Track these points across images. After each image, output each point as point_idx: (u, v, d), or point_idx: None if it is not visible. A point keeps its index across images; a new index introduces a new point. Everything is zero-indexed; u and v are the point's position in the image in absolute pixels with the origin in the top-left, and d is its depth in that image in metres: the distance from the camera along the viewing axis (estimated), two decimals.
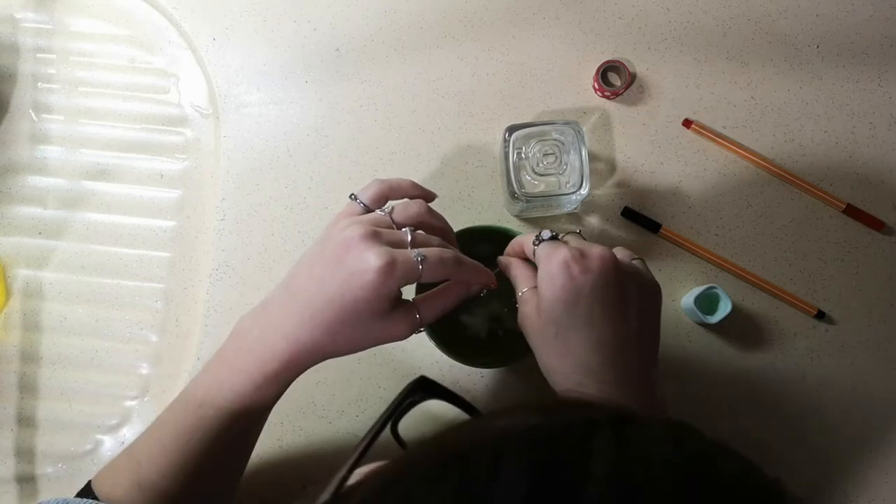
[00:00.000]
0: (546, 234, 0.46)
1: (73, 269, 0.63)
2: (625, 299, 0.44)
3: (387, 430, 0.35)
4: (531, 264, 0.49)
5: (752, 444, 0.60)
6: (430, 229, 0.47)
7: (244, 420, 0.45)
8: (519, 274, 0.49)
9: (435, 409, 0.37)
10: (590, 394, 0.43)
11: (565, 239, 0.47)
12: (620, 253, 0.48)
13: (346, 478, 0.30)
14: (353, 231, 0.42)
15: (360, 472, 0.30)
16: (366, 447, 0.33)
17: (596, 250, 0.44)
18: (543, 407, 0.26)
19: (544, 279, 0.44)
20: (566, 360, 0.44)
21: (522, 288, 0.47)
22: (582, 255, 0.44)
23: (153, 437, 0.46)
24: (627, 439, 0.23)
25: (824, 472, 0.60)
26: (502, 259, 0.51)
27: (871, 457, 0.60)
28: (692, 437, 0.25)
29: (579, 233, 0.49)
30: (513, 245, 0.51)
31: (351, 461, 0.31)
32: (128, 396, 0.62)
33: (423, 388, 0.37)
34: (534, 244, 0.47)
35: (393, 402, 0.36)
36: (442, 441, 0.25)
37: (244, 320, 0.46)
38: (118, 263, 0.63)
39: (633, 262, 0.47)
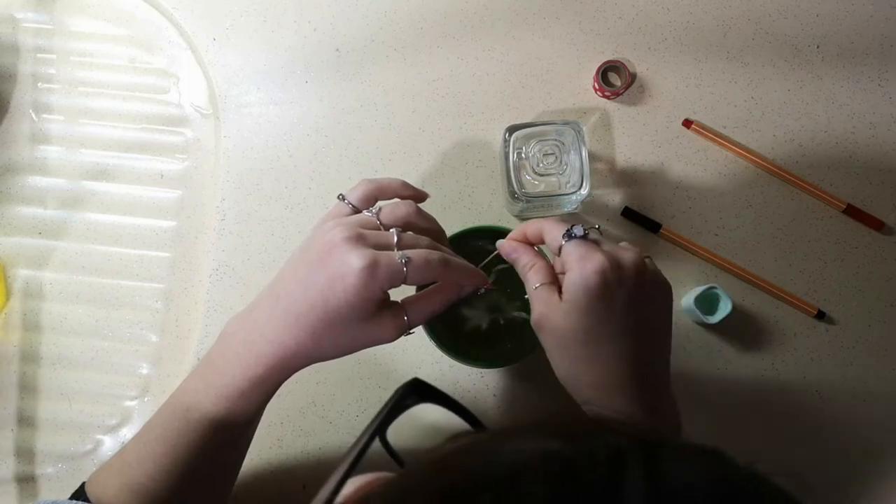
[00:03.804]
0: (579, 230, 0.44)
1: (73, 269, 0.63)
2: (653, 309, 0.44)
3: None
4: (540, 253, 0.48)
5: (751, 444, 0.60)
6: (418, 230, 0.46)
7: (230, 426, 0.44)
8: (529, 265, 0.46)
9: (421, 411, 0.35)
10: (611, 412, 0.42)
11: (591, 233, 0.45)
12: (629, 253, 0.46)
13: (337, 490, 0.28)
14: (336, 233, 0.42)
15: (350, 484, 0.29)
16: (357, 456, 0.31)
17: (629, 257, 0.43)
18: (561, 429, 0.24)
19: (577, 284, 0.42)
20: (593, 370, 0.42)
21: (535, 283, 0.45)
22: (618, 263, 0.42)
23: (142, 440, 0.46)
24: (659, 472, 0.21)
25: (824, 472, 0.60)
26: (506, 244, 0.48)
27: (872, 457, 0.60)
28: (727, 467, 0.23)
29: (598, 228, 0.47)
30: (524, 229, 0.48)
31: (342, 472, 0.29)
32: (128, 396, 0.62)
33: (416, 392, 0.35)
34: (563, 239, 0.44)
35: (384, 407, 0.34)
36: (445, 468, 0.23)
37: (231, 324, 0.45)
38: (118, 263, 0.63)
39: (646, 261, 0.46)
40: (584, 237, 0.44)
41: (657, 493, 0.20)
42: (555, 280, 0.45)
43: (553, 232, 0.46)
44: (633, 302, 0.42)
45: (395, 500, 0.23)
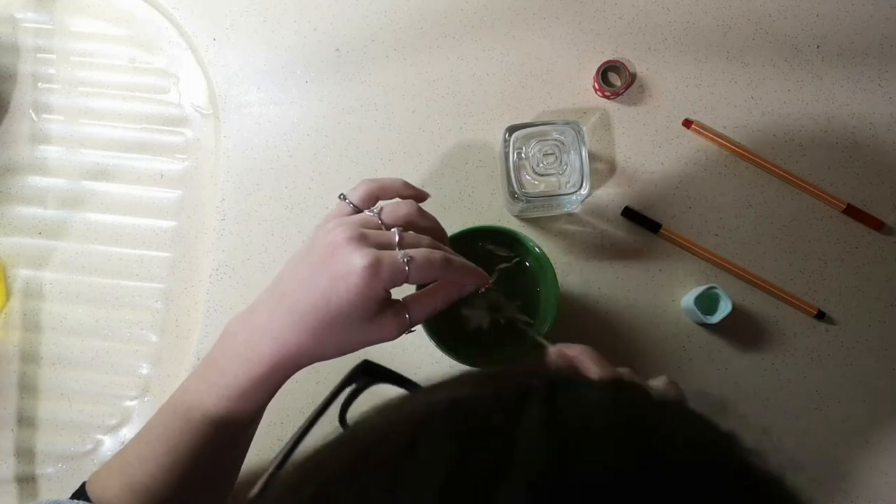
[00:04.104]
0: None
1: (73, 269, 0.63)
2: None
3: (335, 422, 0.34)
4: None
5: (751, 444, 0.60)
6: (419, 230, 0.46)
7: (231, 426, 0.44)
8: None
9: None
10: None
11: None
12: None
13: (273, 474, 0.29)
14: (338, 233, 0.42)
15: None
16: (297, 440, 0.31)
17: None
18: (477, 376, 0.24)
19: None
20: None
21: None
22: None
23: (144, 440, 0.46)
24: (560, 407, 0.21)
25: (824, 472, 0.60)
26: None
27: (872, 457, 0.60)
28: (634, 398, 0.23)
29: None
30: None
31: (280, 457, 0.30)
32: (128, 396, 0.62)
33: (366, 373, 0.35)
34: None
35: (332, 391, 0.34)
36: (363, 424, 0.24)
37: (232, 324, 0.45)
38: (118, 263, 0.63)
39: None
40: None
41: (557, 430, 0.20)
42: None
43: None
44: None
45: (312, 464, 0.23)
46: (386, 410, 0.24)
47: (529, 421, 0.20)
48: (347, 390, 0.35)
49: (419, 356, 0.60)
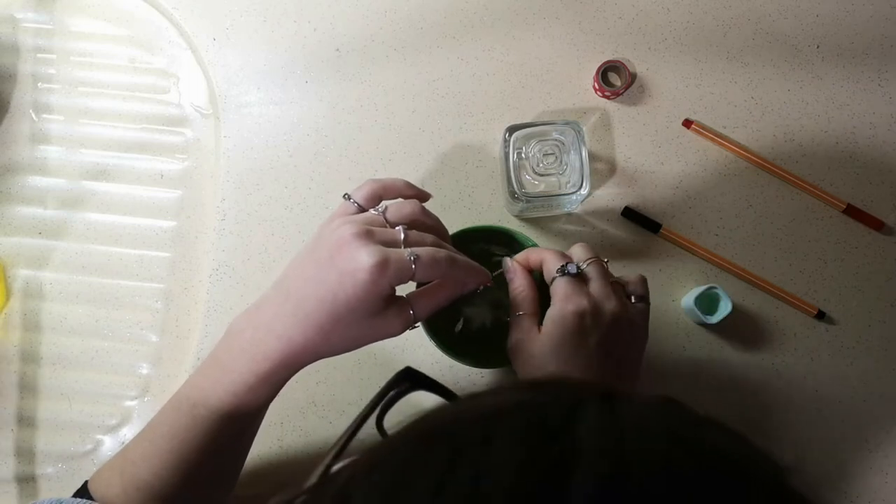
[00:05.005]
0: (572, 268, 0.47)
1: (73, 269, 0.63)
2: (624, 350, 0.47)
3: (373, 427, 0.35)
4: (533, 282, 0.50)
5: None
6: (423, 228, 0.47)
7: (237, 421, 0.45)
8: (520, 290, 0.50)
9: (426, 404, 0.36)
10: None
11: (588, 269, 0.48)
12: (611, 302, 0.47)
13: (330, 465, 0.30)
14: (345, 230, 0.42)
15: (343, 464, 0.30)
16: (351, 434, 0.33)
17: (610, 307, 0.46)
18: (531, 384, 0.26)
19: (555, 320, 0.46)
20: None
21: (519, 310, 0.49)
22: (598, 310, 0.46)
23: (147, 438, 0.46)
24: (615, 411, 0.23)
25: (824, 472, 0.60)
26: (510, 264, 0.51)
27: (872, 457, 0.60)
28: (679, 410, 0.25)
29: (606, 262, 0.49)
30: (529, 254, 0.51)
31: (335, 450, 0.31)
32: (128, 396, 0.62)
33: (408, 379, 0.37)
34: (556, 273, 0.47)
35: (378, 393, 0.36)
36: (429, 419, 0.25)
37: (237, 321, 0.46)
38: (118, 263, 0.63)
39: (628, 309, 0.48)
40: (577, 275, 0.47)
41: (615, 429, 0.22)
42: (537, 312, 0.49)
43: (550, 263, 0.49)
44: (604, 344, 0.46)
45: (382, 452, 0.25)
46: (446, 410, 0.26)
47: (589, 425, 0.22)
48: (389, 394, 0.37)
49: (419, 356, 0.60)
